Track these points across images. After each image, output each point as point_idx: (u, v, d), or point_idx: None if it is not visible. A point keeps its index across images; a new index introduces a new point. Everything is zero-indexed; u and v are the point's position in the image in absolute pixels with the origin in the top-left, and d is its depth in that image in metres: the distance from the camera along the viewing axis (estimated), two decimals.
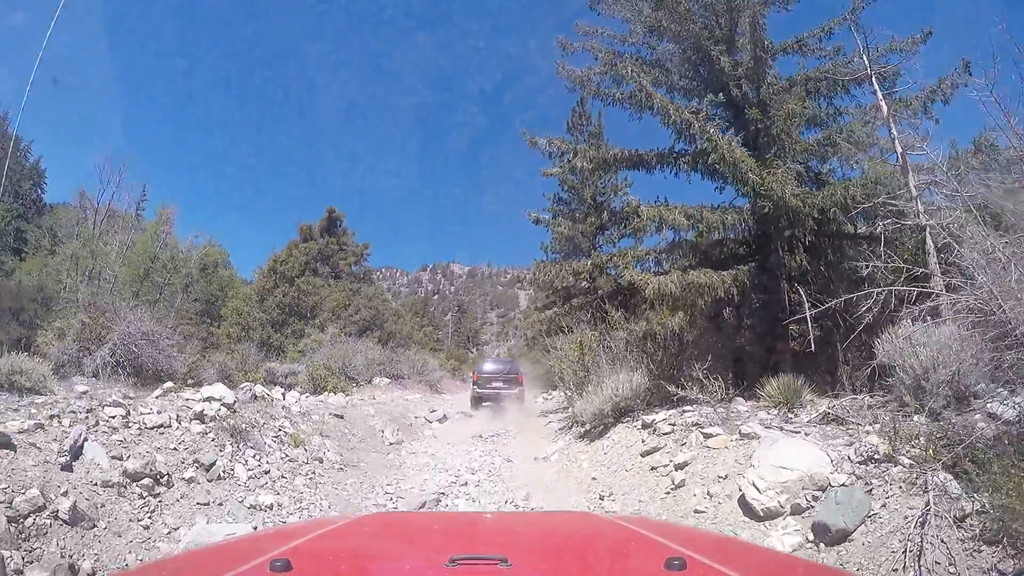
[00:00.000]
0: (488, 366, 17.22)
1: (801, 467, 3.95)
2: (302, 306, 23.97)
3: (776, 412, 6.91)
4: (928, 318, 7.40)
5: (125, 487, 4.95)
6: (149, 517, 4.86)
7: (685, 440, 5.98)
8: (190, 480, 5.63)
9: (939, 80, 9.91)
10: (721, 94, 11.04)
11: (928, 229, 8.87)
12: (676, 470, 5.44)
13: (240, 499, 5.75)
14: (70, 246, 29.78)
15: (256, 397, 8.92)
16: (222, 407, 7.18)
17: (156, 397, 7.74)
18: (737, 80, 11.03)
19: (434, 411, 13.71)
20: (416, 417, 12.95)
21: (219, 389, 7.84)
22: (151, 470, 5.23)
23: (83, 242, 30.08)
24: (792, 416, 6.60)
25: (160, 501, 5.12)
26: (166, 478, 5.39)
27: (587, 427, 8.71)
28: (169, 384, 9.04)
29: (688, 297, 8.22)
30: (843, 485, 3.79)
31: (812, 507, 3.79)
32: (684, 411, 6.98)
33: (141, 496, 5.01)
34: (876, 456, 4.12)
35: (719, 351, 10.40)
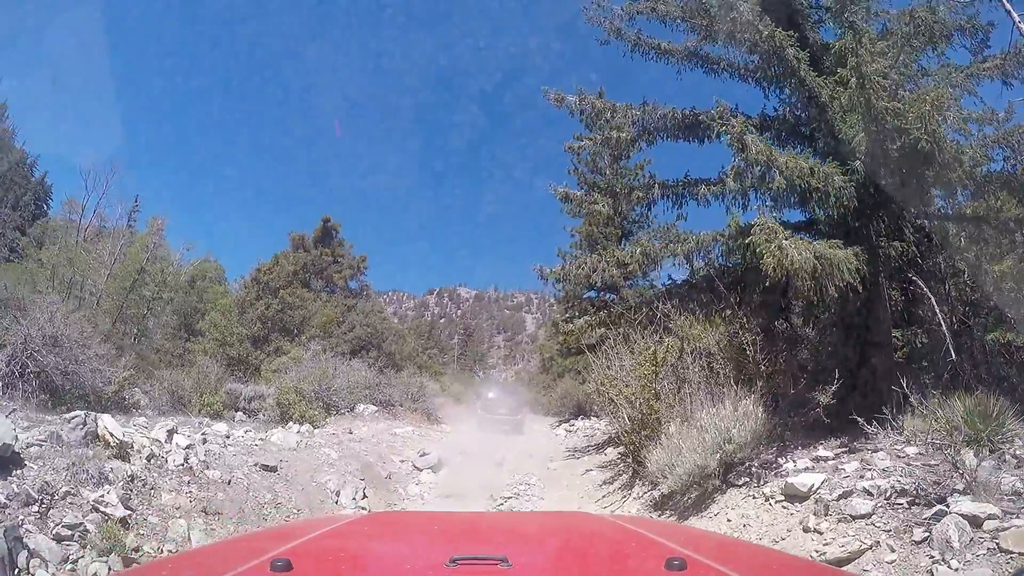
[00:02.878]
0: (492, 394, 18.61)
1: None
2: (287, 321, 21.32)
3: (977, 452, 4.18)
4: None
5: None
6: None
7: (924, 533, 3.14)
8: None
9: None
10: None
11: None
12: None
13: None
14: (47, 253, 27.88)
15: (96, 437, 5.25)
16: None
17: None
18: (814, 21, 8.67)
19: (425, 454, 10.16)
20: (402, 462, 9.72)
21: None
22: None
23: (60, 249, 28.20)
24: None
25: None
26: None
27: (666, 489, 5.75)
28: None
29: (822, 274, 5.50)
30: None
31: None
32: (829, 460, 4.24)
33: None
34: None
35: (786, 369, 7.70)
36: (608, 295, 17.21)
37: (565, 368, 20.55)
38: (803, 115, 8.40)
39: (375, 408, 13.73)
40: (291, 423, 10.46)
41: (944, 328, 7.00)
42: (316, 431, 10.05)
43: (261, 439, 8.41)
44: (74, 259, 27.73)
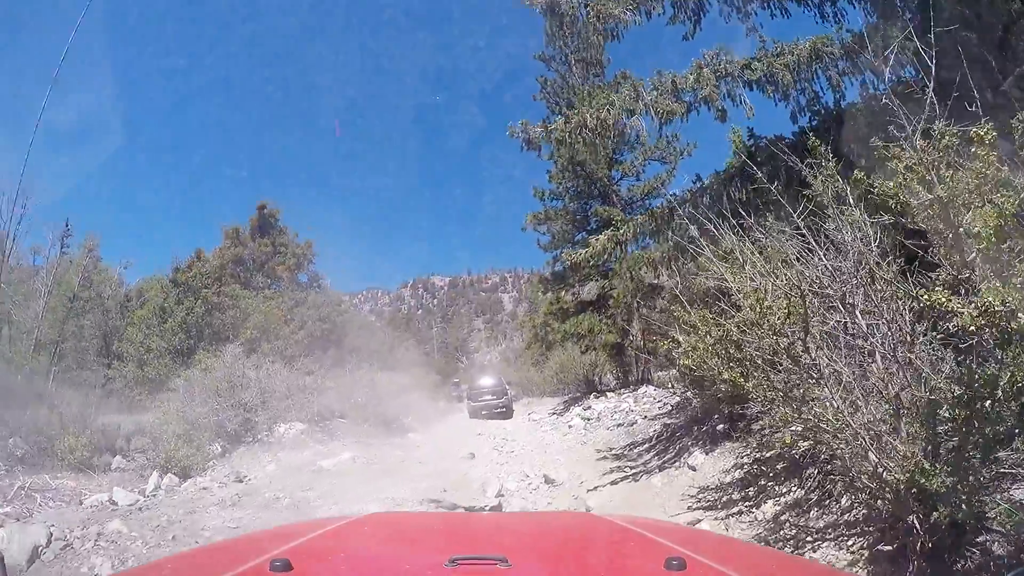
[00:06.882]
0: (478, 382, 19.45)
1: None
2: (216, 325, 17.44)
3: None
4: None
5: None
6: None
7: None
8: None
9: None
10: None
11: None
12: None
13: None
14: None
15: None
16: None
17: None
18: None
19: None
20: None
21: None
22: None
23: None
24: None
25: None
26: None
27: None
28: None
29: None
30: None
31: None
32: None
33: None
34: None
35: None
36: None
37: (566, 334, 16.03)
38: None
39: (302, 426, 9.97)
40: (170, 473, 6.78)
41: None
42: (181, 486, 6.34)
43: None
44: None
